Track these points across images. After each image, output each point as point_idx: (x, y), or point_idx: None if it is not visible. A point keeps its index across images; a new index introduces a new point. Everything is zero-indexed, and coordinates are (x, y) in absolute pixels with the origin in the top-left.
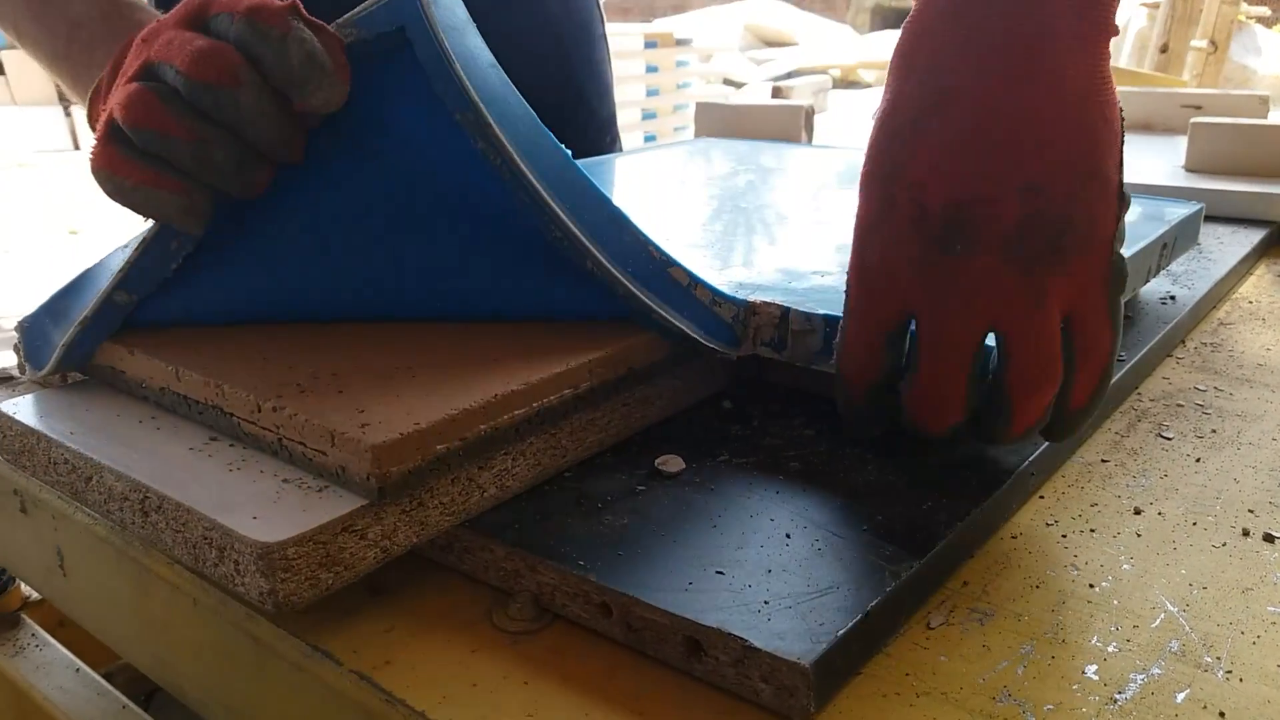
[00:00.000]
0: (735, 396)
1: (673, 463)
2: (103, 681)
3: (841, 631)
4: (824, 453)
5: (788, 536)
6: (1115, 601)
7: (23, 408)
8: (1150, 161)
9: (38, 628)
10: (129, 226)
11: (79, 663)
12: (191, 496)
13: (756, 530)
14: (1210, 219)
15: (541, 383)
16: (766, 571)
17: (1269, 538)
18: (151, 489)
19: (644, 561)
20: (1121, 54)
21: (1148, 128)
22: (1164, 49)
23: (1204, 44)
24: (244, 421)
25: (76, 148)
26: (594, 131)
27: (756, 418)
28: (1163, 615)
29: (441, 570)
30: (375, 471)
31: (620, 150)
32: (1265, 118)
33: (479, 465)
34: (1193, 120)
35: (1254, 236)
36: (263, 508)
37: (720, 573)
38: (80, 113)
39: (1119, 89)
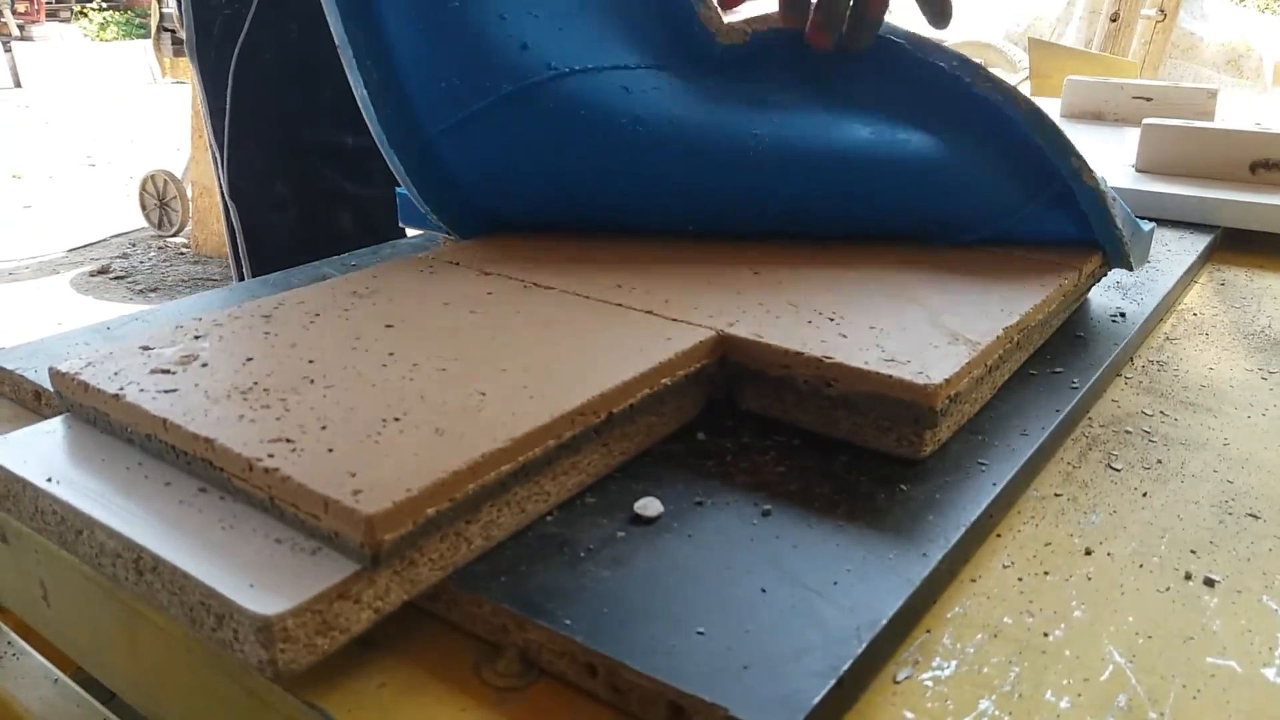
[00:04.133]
0: (708, 426)
1: (651, 506)
2: (82, 692)
3: (816, 699)
4: (795, 492)
5: (763, 590)
6: (1067, 652)
7: (3, 451)
8: (1103, 157)
9: (14, 635)
10: (70, 171)
11: (57, 673)
12: (187, 560)
13: (734, 584)
14: (1159, 222)
15: (527, 437)
16: (745, 631)
17: (1209, 582)
18: (146, 550)
19: (628, 620)
20: (1071, 22)
21: (1099, 117)
22: (1114, 18)
23: (1153, 12)
24: (234, 478)
25: (17, 85)
26: None
27: (730, 451)
28: (1111, 667)
29: (429, 618)
30: (369, 541)
31: None
32: (1213, 112)
33: (467, 520)
34: (1145, 122)
35: (1199, 243)
36: (258, 573)
37: (701, 633)
38: (20, 48)
39: (1075, 78)
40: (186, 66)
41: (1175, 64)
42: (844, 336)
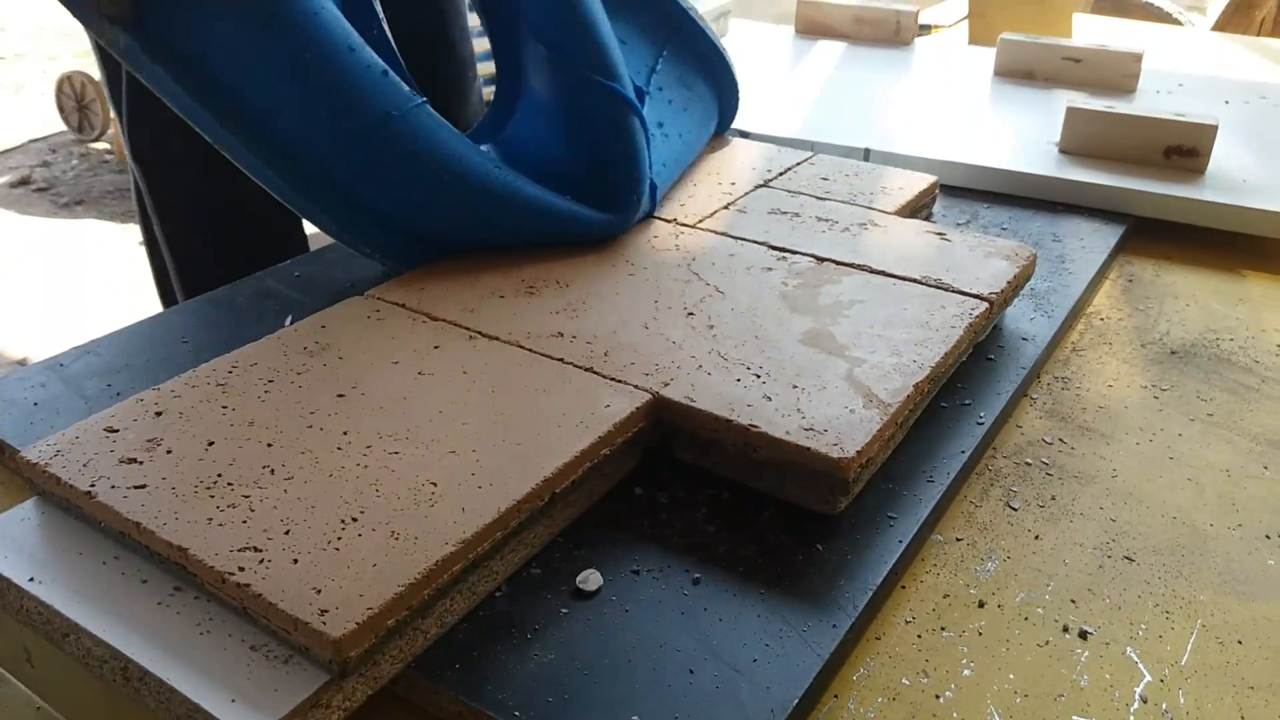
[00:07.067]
0: (645, 477)
1: (592, 580)
2: None
3: None
4: (723, 555)
5: (691, 672)
6: (955, 714)
7: None
8: (1028, 130)
9: None
10: None
11: (39, 700)
12: (173, 673)
13: (665, 665)
14: (1076, 211)
15: (477, 536)
16: (674, 718)
17: (1083, 634)
18: (133, 661)
19: (570, 707)
20: None
21: (1030, 77)
22: None
23: None
24: (209, 585)
25: None
26: (452, 66)
27: (664, 509)
28: None
29: (392, 699)
30: (337, 657)
31: (481, 88)
32: (1138, 74)
33: (423, 617)
34: (1068, 105)
35: (1111, 237)
36: (238, 685)
37: None
38: None
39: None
40: None
41: None
42: (768, 399)
